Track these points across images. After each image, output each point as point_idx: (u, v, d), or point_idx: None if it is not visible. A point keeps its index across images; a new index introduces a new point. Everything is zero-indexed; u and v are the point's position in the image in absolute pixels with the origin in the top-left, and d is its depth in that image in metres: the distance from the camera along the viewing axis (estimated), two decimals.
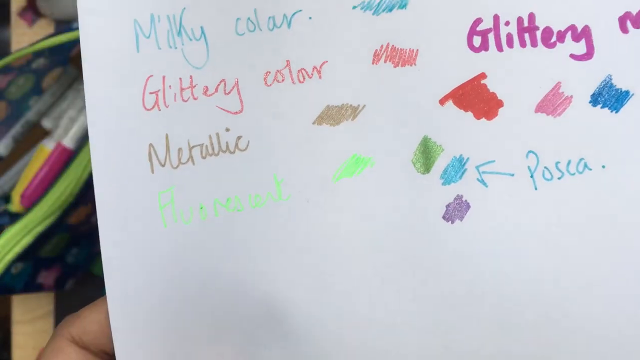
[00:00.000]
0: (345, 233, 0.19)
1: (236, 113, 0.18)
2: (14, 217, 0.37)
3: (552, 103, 0.19)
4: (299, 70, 0.18)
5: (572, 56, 0.19)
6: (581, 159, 0.19)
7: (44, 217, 0.36)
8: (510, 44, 0.19)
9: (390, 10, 0.19)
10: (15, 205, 0.39)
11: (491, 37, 0.19)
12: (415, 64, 0.19)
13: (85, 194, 0.36)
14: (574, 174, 0.18)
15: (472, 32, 0.19)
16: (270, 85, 0.18)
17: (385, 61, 0.19)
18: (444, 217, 0.19)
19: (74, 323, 0.19)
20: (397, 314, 0.19)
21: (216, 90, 0.18)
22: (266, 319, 0.18)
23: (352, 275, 0.19)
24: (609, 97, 0.18)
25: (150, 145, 0.18)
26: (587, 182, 0.18)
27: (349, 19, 0.19)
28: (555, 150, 0.19)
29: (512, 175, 0.19)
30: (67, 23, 0.48)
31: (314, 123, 0.18)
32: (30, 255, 0.38)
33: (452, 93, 0.19)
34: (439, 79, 0.19)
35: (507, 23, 0.19)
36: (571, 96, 0.19)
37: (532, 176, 0.19)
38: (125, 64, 0.18)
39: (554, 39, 0.19)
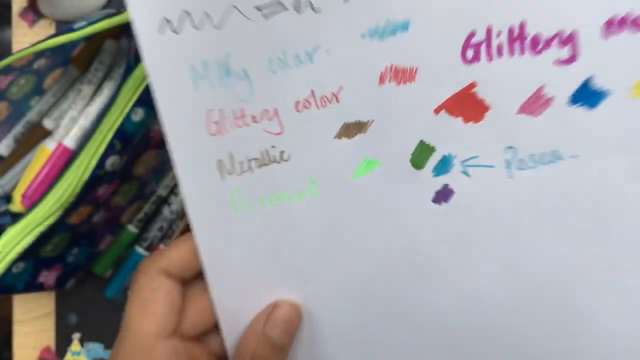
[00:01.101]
0: (359, 216, 0.25)
1: (278, 134, 0.24)
2: (15, 217, 0.37)
3: (534, 104, 0.22)
4: (321, 97, 0.23)
5: (557, 61, 0.21)
6: (555, 151, 0.22)
7: (45, 217, 0.36)
8: (500, 53, 0.21)
9: (394, 33, 0.22)
10: (16, 205, 0.39)
11: (483, 48, 0.21)
12: (414, 81, 0.23)
13: (86, 194, 0.36)
14: (546, 164, 0.22)
15: (466, 45, 0.22)
16: (301, 111, 0.23)
17: (389, 81, 0.23)
18: (432, 200, 0.24)
19: (161, 258, 0.25)
20: (393, 271, 0.25)
21: (262, 118, 0.23)
22: (303, 272, 0.26)
23: (363, 244, 0.25)
24: (588, 96, 0.21)
25: (218, 160, 0.23)
26: (558, 170, 0.22)
27: (358, 47, 0.23)
28: (532, 144, 0.22)
29: (493, 167, 0.23)
30: (68, 24, 0.48)
31: (334, 138, 0.24)
32: (31, 255, 0.38)
33: (445, 103, 0.23)
34: (434, 92, 0.23)
35: (498, 34, 0.21)
36: (552, 97, 0.21)
37: (508, 167, 0.23)
38: (188, 101, 0.23)
39: (541, 45, 0.21)
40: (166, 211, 0.47)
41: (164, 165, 0.45)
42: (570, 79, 0.21)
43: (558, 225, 0.22)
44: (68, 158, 0.39)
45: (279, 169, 0.24)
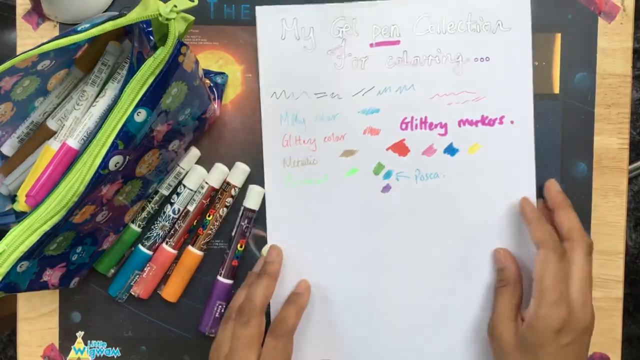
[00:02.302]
0: (346, 196, 0.49)
1: (314, 151, 0.48)
2: (20, 216, 0.38)
3: (429, 151, 0.48)
4: (336, 137, 0.48)
5: (439, 134, 0.48)
6: (436, 173, 0.48)
7: (49, 216, 0.36)
8: (416, 127, 0.48)
9: (372, 113, 0.48)
10: (20, 205, 0.39)
11: (409, 124, 0.48)
12: (378, 135, 0.48)
13: (90, 193, 0.37)
14: (432, 178, 0.48)
15: (402, 122, 0.48)
16: (326, 142, 0.48)
17: (368, 134, 0.48)
18: (381, 191, 0.49)
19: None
20: (356, 217, 0.49)
21: (307, 142, 0.48)
22: (312, 215, 0.49)
23: (346, 207, 0.49)
24: (448, 150, 0.48)
25: (284, 159, 0.48)
26: (436, 183, 0.48)
27: (356, 117, 0.48)
28: (427, 169, 0.48)
29: (409, 177, 0.49)
30: (72, 26, 0.49)
31: (340, 156, 0.48)
32: (36, 254, 0.38)
33: (391, 147, 0.48)
34: (386, 141, 0.48)
35: (416, 119, 0.48)
36: (436, 149, 0.48)
37: (415, 178, 0.49)
38: (276, 130, 0.48)
39: (433, 127, 0.48)
40: (169, 210, 0.47)
41: (167, 165, 0.46)
42: (444, 142, 0.48)
43: (430, 203, 0.49)
44: (72, 158, 0.39)
45: (311, 167, 0.48)
